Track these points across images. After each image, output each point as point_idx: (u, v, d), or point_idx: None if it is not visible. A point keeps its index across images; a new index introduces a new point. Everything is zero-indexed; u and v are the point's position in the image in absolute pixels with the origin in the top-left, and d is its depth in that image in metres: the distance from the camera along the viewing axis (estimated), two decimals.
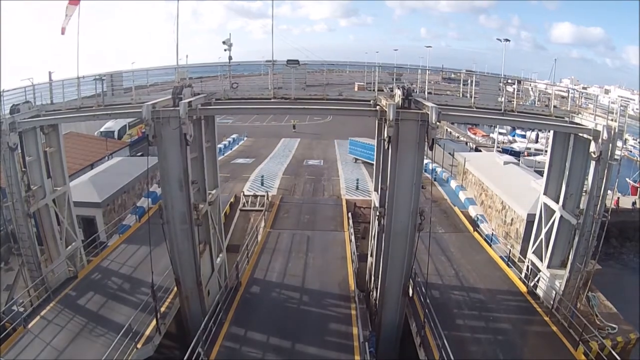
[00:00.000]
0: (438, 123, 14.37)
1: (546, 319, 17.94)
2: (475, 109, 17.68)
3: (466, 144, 63.61)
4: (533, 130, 59.19)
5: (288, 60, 18.02)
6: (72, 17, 20.25)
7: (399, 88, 15.84)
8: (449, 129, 71.29)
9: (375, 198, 19.63)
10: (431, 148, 14.85)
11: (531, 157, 50.29)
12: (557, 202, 18.86)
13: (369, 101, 17.24)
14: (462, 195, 35.22)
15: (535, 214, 21.13)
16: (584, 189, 17.88)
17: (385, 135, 15.10)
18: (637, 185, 37.03)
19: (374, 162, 20.03)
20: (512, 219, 27.38)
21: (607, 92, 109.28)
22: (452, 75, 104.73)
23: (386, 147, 15.66)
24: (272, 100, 18.00)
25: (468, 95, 18.42)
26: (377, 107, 16.53)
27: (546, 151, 28.93)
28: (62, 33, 20.69)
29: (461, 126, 74.00)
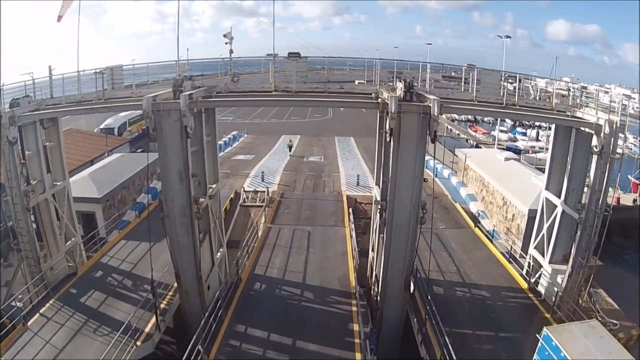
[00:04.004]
0: (440, 116, 14.32)
1: (547, 315, 17.85)
2: (477, 102, 17.61)
3: (467, 141, 63.59)
4: (533, 127, 59.21)
5: (289, 53, 17.95)
6: (69, 9, 20.17)
7: (400, 80, 15.78)
8: (449, 127, 71.26)
9: (376, 192, 19.57)
10: (433, 141, 14.80)
11: (532, 155, 50.33)
12: (559, 196, 18.80)
13: (371, 94, 17.18)
14: (462, 192, 35.18)
15: (536, 210, 21.08)
16: (586, 183, 17.83)
17: (387, 127, 15.06)
18: (639, 183, 37.01)
19: (376, 155, 19.94)
20: (513, 215, 27.34)
21: (607, 92, 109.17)
22: (453, 74, 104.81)
23: (388, 139, 15.61)
24: (273, 93, 17.91)
25: (470, 89, 18.38)
26: (379, 100, 16.46)
27: (547, 149, 28.85)
28: (58, 21, 20.65)
29: (462, 124, 74.05)
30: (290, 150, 48.68)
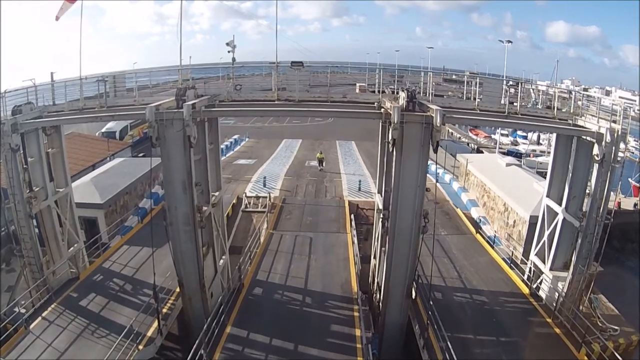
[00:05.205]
0: (442, 125, 14.39)
1: (549, 320, 17.91)
2: (479, 112, 17.69)
3: (468, 144, 63.64)
4: (535, 132, 59.30)
5: (292, 62, 18.04)
6: (69, 12, 20.28)
7: (403, 90, 15.85)
8: (450, 130, 71.27)
9: (378, 200, 19.64)
10: (435, 150, 14.85)
11: (533, 158, 50.34)
12: (560, 204, 18.86)
13: (373, 104, 17.26)
14: (464, 197, 35.20)
15: (537, 216, 21.12)
16: (587, 191, 17.88)
17: (390, 137, 15.11)
18: (639, 186, 37.03)
19: (378, 164, 20.02)
20: (514, 221, 27.36)
21: (608, 93, 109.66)
22: (454, 77, 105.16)
23: (390, 149, 15.68)
24: (276, 102, 18.00)
25: (471, 97, 18.44)
26: (382, 110, 16.54)
27: (548, 152, 28.88)
28: (56, 20, 20.75)
29: (462, 127, 73.99)
30: (321, 165, 42.80)
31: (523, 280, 20.93)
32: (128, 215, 29.45)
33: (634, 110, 73.49)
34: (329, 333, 17.28)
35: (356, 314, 18.31)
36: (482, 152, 57.27)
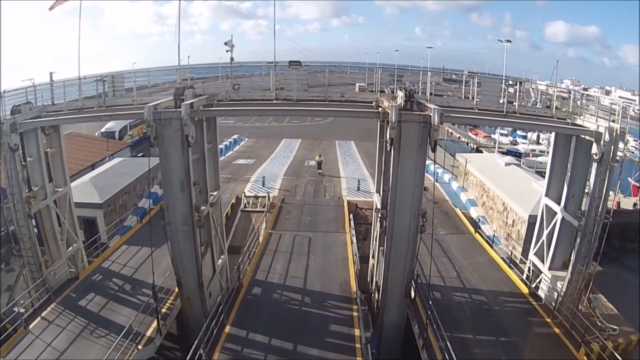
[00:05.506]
0: (440, 124, 14.38)
1: (548, 320, 17.91)
2: (477, 111, 17.68)
3: (467, 144, 63.65)
4: (534, 131, 59.38)
5: (290, 62, 18.03)
6: (69, 12, 20.38)
7: (401, 89, 15.84)
8: (450, 130, 71.33)
9: (377, 200, 19.64)
10: (433, 150, 14.84)
11: (532, 158, 50.32)
12: (559, 203, 18.84)
13: (371, 103, 17.24)
14: (463, 197, 35.19)
15: (536, 216, 21.09)
16: (586, 190, 17.87)
17: (388, 137, 15.10)
18: (639, 186, 37.02)
19: (376, 164, 20.01)
20: (513, 221, 27.37)
21: (607, 93, 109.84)
22: (453, 76, 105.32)
23: (388, 149, 15.67)
24: (274, 101, 17.99)
25: (470, 96, 18.43)
26: (379, 109, 16.52)
27: (548, 152, 28.86)
28: (50, 9, 20.80)
29: (462, 127, 74.03)
30: (320, 167, 41.46)
31: (522, 280, 20.93)
32: (127, 215, 29.43)
33: (633, 110, 73.57)
34: (328, 333, 17.28)
35: (355, 313, 18.31)
36: (481, 151, 57.31)
